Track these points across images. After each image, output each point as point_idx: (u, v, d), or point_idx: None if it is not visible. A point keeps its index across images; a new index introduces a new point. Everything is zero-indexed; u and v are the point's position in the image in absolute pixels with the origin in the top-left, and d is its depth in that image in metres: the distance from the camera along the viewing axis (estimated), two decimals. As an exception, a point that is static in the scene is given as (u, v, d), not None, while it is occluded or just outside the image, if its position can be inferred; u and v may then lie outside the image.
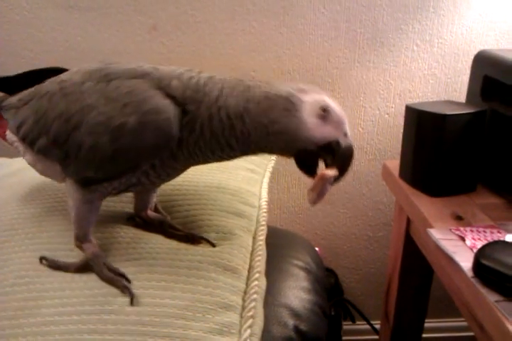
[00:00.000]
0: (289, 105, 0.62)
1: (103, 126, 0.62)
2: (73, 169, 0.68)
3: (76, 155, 0.65)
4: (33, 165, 0.78)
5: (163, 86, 0.63)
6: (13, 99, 0.77)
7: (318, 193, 0.65)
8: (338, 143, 0.63)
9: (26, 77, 0.79)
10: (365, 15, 1.31)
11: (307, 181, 1.52)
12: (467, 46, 1.33)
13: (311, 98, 0.63)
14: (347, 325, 1.51)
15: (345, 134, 0.64)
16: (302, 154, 0.65)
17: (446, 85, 1.38)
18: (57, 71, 0.77)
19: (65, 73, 0.72)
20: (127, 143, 0.61)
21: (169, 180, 0.73)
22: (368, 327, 1.47)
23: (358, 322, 1.48)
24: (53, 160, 0.70)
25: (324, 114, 0.62)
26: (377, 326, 1.43)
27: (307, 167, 0.66)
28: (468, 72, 1.10)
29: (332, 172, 0.64)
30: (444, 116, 0.93)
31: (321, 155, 0.65)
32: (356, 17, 1.31)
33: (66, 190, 0.72)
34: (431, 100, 1.37)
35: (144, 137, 0.61)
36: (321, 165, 0.67)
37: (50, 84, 0.72)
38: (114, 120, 0.61)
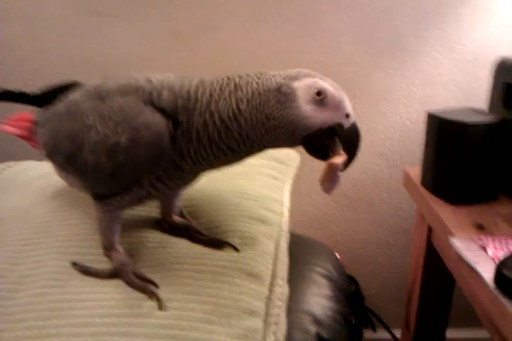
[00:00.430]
0: (281, 97, 0.60)
1: (101, 145, 0.64)
2: (85, 184, 0.71)
3: (84, 172, 0.68)
4: (62, 178, 0.81)
5: (153, 99, 0.63)
6: (41, 117, 0.79)
7: (330, 182, 0.62)
8: (340, 125, 0.61)
9: (55, 91, 0.80)
10: (387, 22, 1.32)
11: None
12: (488, 52, 1.33)
13: (303, 83, 0.60)
14: (368, 333, 1.51)
15: (347, 115, 0.61)
16: (308, 141, 0.62)
17: (467, 91, 1.38)
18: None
19: (74, 92, 0.74)
20: (123, 160, 0.63)
21: (184, 187, 0.74)
22: (388, 335, 1.47)
23: (378, 330, 1.48)
24: (74, 176, 0.73)
25: (320, 97, 0.60)
26: (398, 334, 1.42)
27: (317, 152, 0.63)
28: (489, 78, 1.10)
29: (339, 158, 0.60)
30: (466, 125, 0.92)
31: (326, 139, 0.62)
32: (377, 24, 1.32)
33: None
34: (452, 106, 1.36)
35: (137, 153, 0.62)
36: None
37: (61, 103, 0.74)
38: (109, 139, 0.63)
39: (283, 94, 0.60)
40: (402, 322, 1.33)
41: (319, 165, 1.48)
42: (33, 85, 1.41)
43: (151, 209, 0.82)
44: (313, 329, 0.74)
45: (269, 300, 0.66)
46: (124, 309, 0.63)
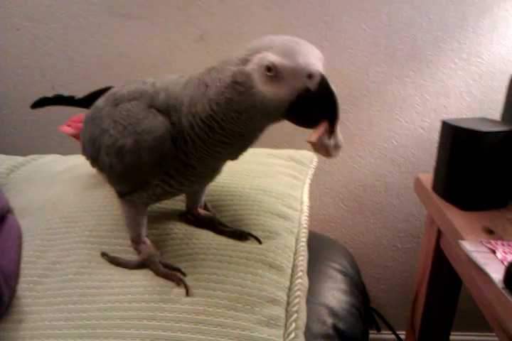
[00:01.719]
0: (240, 88, 0.57)
1: (112, 148, 0.68)
2: (108, 182, 0.76)
3: (104, 172, 0.73)
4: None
5: (154, 102, 0.66)
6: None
7: (323, 149, 0.59)
8: (307, 90, 0.56)
9: (96, 95, 0.84)
10: (405, 33, 1.35)
11: (339, 190, 1.54)
12: (504, 66, 1.36)
13: (254, 63, 0.57)
14: (372, 334, 1.52)
15: (310, 75, 0.55)
16: (288, 115, 0.59)
17: (481, 103, 1.40)
18: None
19: (101, 97, 0.78)
20: (129, 161, 0.66)
21: (204, 182, 0.75)
22: (392, 336, 1.49)
23: (383, 332, 1.50)
24: (101, 174, 0.78)
25: (272, 73, 0.56)
26: (402, 336, 1.45)
27: (303, 122, 0.60)
28: (504, 90, 1.12)
29: (322, 124, 0.57)
30: (480, 133, 0.95)
31: (304, 108, 0.58)
32: (396, 34, 1.35)
33: None
34: (466, 117, 1.39)
35: (141, 155, 0.65)
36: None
37: (91, 108, 0.79)
38: (118, 142, 0.67)
39: (240, 85, 0.57)
40: (407, 323, 1.35)
41: (331, 168, 1.52)
42: (53, 81, 1.47)
43: (176, 202, 0.85)
44: (329, 320, 0.77)
45: (290, 290, 0.69)
46: (153, 295, 0.66)
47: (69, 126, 0.96)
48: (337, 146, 0.59)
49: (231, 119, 0.60)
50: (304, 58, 0.55)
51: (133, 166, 0.66)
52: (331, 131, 0.58)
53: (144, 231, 0.75)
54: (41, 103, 0.93)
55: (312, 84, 0.55)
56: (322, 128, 0.57)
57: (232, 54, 0.60)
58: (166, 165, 0.65)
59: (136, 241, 0.75)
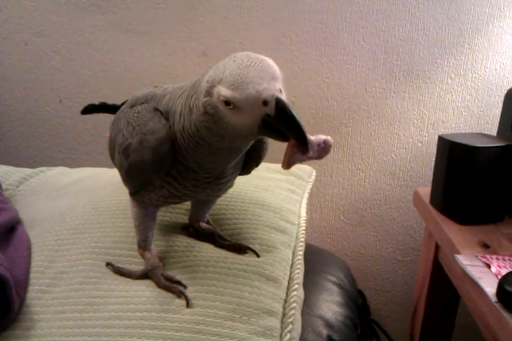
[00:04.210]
0: (212, 118, 0.59)
1: (122, 147, 0.72)
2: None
3: (118, 170, 0.77)
4: None
5: (158, 105, 0.70)
6: None
7: (287, 159, 0.60)
8: (268, 116, 0.56)
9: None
10: (402, 49, 1.38)
11: (339, 202, 1.56)
12: (500, 81, 1.39)
13: (215, 97, 0.57)
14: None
15: (265, 102, 0.55)
16: (263, 134, 0.60)
17: (478, 118, 1.42)
18: None
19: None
20: (133, 160, 0.70)
21: (211, 191, 0.75)
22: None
23: (383, 342, 1.51)
24: None
25: (231, 106, 0.56)
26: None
27: (278, 137, 0.59)
28: (500, 105, 1.15)
29: (288, 148, 0.59)
30: (475, 148, 0.97)
31: (272, 129, 0.58)
32: (393, 50, 1.38)
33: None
34: (463, 132, 1.42)
35: (143, 154, 0.68)
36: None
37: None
38: (126, 141, 0.71)
39: (211, 115, 0.59)
40: (407, 335, 1.36)
41: (331, 181, 1.55)
42: (61, 94, 1.52)
43: (178, 215, 0.88)
44: (325, 332, 0.79)
45: (285, 302, 0.72)
46: (155, 305, 0.69)
47: None
48: (323, 149, 0.61)
49: (214, 140, 0.62)
50: (254, 86, 0.55)
51: (136, 165, 0.69)
52: (303, 146, 0.58)
53: (150, 236, 0.77)
54: (88, 110, 0.98)
55: (270, 109, 0.55)
56: (288, 150, 0.58)
57: (202, 77, 0.61)
58: (167, 165, 0.67)
59: (143, 247, 0.77)
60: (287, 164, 0.60)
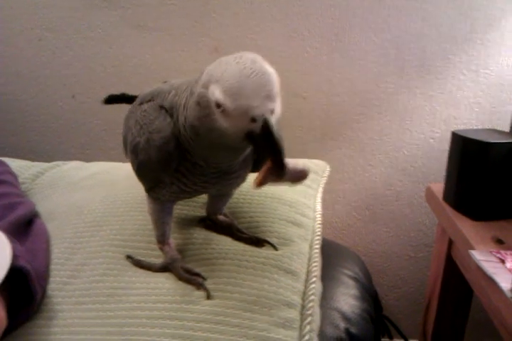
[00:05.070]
0: (205, 111, 0.58)
1: (132, 145, 0.73)
2: None
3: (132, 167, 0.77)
4: None
5: (164, 101, 0.69)
6: None
7: (262, 182, 0.60)
8: (251, 133, 0.56)
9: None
10: (414, 44, 1.38)
11: (351, 198, 1.56)
12: (512, 77, 1.38)
13: (211, 93, 0.56)
14: (383, 341, 1.54)
15: (253, 119, 0.54)
16: (247, 144, 0.60)
17: (490, 114, 1.42)
18: None
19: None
20: (142, 159, 0.71)
21: (222, 186, 0.75)
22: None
23: (395, 339, 1.51)
24: None
25: (220, 109, 0.56)
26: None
27: (259, 152, 0.60)
28: (512, 101, 1.16)
29: (263, 170, 0.59)
30: (489, 144, 0.97)
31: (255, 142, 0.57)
32: (405, 45, 1.38)
33: None
34: (475, 127, 1.42)
35: (150, 153, 0.68)
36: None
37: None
38: (135, 140, 0.71)
39: (203, 108, 0.58)
40: (419, 332, 1.36)
41: (342, 177, 1.55)
42: (74, 90, 1.53)
43: (195, 208, 0.89)
44: (342, 324, 0.80)
45: (304, 294, 0.72)
46: (175, 297, 0.70)
47: None
48: (298, 177, 0.61)
49: (204, 132, 0.61)
50: (246, 101, 0.54)
51: (144, 163, 0.70)
52: (279, 171, 0.57)
53: (168, 231, 0.78)
54: (110, 100, 0.97)
55: (256, 127, 0.54)
56: (264, 171, 0.58)
57: (205, 68, 0.60)
58: (174, 163, 0.68)
59: (161, 241, 0.78)
60: (259, 184, 0.60)
